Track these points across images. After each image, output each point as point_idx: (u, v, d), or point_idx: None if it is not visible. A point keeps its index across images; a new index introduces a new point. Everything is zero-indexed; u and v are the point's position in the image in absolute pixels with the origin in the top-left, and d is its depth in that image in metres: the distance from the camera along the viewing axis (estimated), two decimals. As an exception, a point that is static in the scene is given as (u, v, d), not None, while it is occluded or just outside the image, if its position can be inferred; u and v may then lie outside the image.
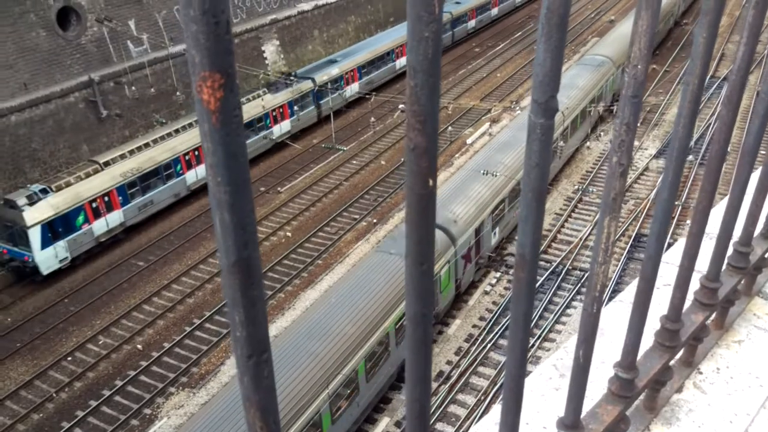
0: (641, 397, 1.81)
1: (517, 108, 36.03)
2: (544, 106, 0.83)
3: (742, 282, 2.15)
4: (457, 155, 31.77)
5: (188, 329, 21.47)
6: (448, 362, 20.04)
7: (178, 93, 32.16)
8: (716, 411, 1.89)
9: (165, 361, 20.36)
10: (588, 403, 1.55)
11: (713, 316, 2.03)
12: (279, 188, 30.50)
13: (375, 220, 27.39)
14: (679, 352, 1.85)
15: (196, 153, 28.98)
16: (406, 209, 0.74)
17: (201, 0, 0.46)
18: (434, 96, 0.66)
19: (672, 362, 1.83)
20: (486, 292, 23.02)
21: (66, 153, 27.36)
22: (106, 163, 25.81)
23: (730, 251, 2.00)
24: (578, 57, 39.40)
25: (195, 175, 28.94)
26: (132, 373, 19.87)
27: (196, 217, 28.10)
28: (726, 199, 1.93)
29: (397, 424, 18.27)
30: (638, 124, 1.09)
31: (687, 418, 1.87)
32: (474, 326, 21.50)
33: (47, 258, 23.40)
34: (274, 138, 33.24)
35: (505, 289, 23.07)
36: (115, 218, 25.70)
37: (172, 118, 31.06)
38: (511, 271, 21.37)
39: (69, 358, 20.56)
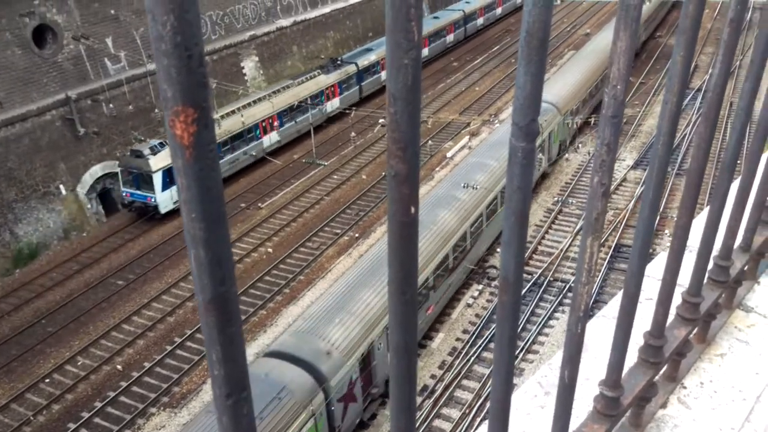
0: (626, 413, 1.80)
1: (496, 121, 36.32)
2: (525, 129, 0.82)
3: (723, 295, 2.16)
4: (437, 168, 31.90)
5: (169, 348, 21.19)
6: (432, 376, 19.98)
7: (156, 110, 31.97)
8: (701, 426, 1.89)
9: (145, 381, 20.05)
10: (574, 421, 1.54)
11: (695, 330, 2.04)
12: (260, 204, 30.36)
13: (357, 235, 27.34)
14: (663, 367, 1.85)
15: (271, 122, 34.21)
16: (389, 237, 0.73)
17: (173, 34, 0.44)
18: (414, 123, 0.65)
19: (656, 378, 1.83)
20: (468, 305, 23.03)
21: (42, 172, 27.04)
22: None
23: (710, 265, 2.01)
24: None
25: (269, 140, 34.41)
26: (112, 394, 19.52)
27: (176, 234, 27.84)
28: (705, 211, 1.94)
29: (382, 440, 18.13)
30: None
31: (672, 433, 1.86)
32: (457, 339, 21.48)
33: (165, 199, 28.13)
34: (326, 112, 38.47)
35: (488, 301, 23.10)
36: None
37: (151, 135, 30.84)
38: (494, 284, 21.21)
39: (47, 380, 20.17)
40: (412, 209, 0.70)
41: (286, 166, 33.80)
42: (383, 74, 40.85)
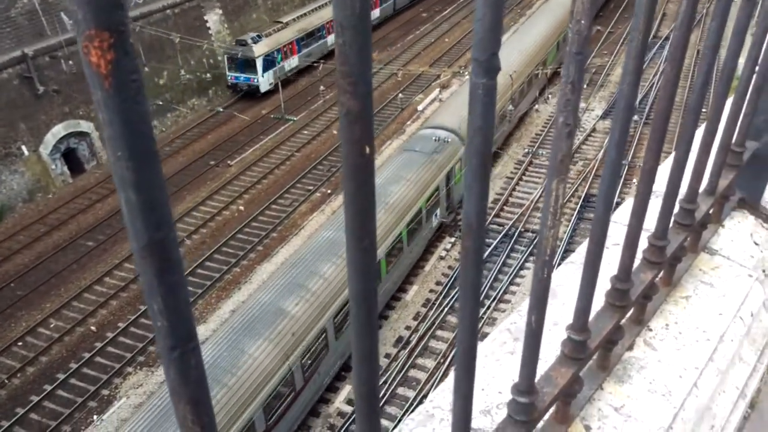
0: (594, 356, 1.82)
1: (466, 73, 36.05)
2: (486, 65, 0.78)
3: (688, 239, 2.18)
4: (408, 122, 31.71)
5: (143, 308, 21.10)
6: (407, 327, 20.27)
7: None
8: (666, 366, 1.93)
9: (121, 341, 20.01)
10: (542, 366, 1.55)
11: (661, 273, 2.05)
12: (229, 161, 29.97)
13: (329, 191, 27.23)
14: (629, 311, 1.87)
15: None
16: (343, 181, 0.69)
17: (79, -56, 0.39)
18: (365, 54, 0.61)
19: (623, 321, 1.85)
20: (441, 257, 23.26)
21: (2, 132, 26.25)
22: (287, 23, 37.72)
23: (676, 209, 2.01)
24: (406, 136, 29.24)
25: (332, 39, 37.84)
26: (87, 355, 19.48)
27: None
28: (671, 156, 1.94)
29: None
30: (584, 85, 1.07)
31: (638, 375, 1.90)
32: (431, 291, 21.75)
33: (264, 81, 34.95)
34: (377, 17, 43.96)
35: (460, 254, 23.32)
36: (294, 61, 37.36)
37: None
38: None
39: (19, 344, 20.01)
40: (367, 149, 0.66)
41: (255, 122, 33.30)
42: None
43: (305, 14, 39.28)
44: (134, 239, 0.50)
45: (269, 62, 34.94)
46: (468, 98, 0.82)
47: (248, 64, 34.16)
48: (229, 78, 34.99)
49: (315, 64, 37.47)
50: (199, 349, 0.58)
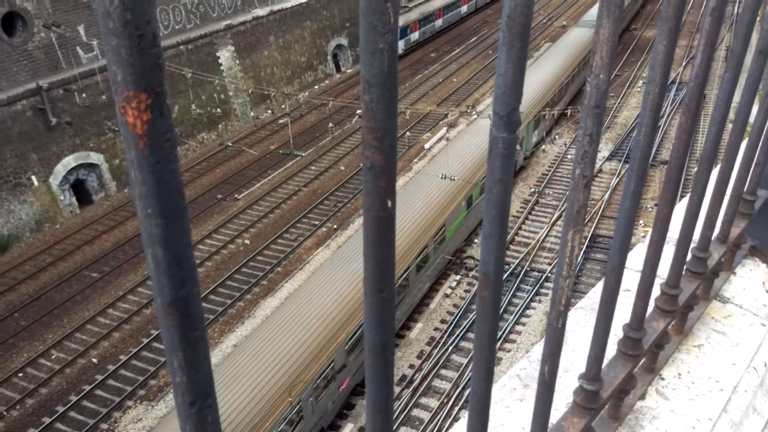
0: (606, 406, 1.79)
1: (474, 113, 36.38)
2: (506, 119, 0.78)
3: (700, 287, 2.16)
4: (415, 160, 31.89)
5: (145, 340, 20.98)
6: (411, 366, 20.05)
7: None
8: (679, 417, 1.89)
9: (122, 374, 19.84)
10: (553, 414, 1.52)
11: (673, 321, 2.03)
12: (236, 195, 30.10)
13: (335, 226, 27.26)
14: (642, 359, 1.84)
15: None
16: (364, 232, 0.69)
17: (121, 11, 0.40)
18: (391, 111, 0.61)
19: (635, 370, 1.82)
20: (447, 295, 23.12)
21: (13, 163, 26.49)
22: (411, 8, 47.25)
23: (688, 257, 2.00)
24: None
25: (467, 8, 55.41)
26: (87, 387, 19.29)
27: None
28: (684, 203, 1.94)
29: (361, 430, 18.16)
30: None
31: (651, 425, 1.86)
32: (435, 329, 21.57)
33: (399, 46, 41.48)
34: (462, 13, 54.69)
35: (465, 291, 23.21)
36: (416, 35, 47.60)
37: (125, 126, 30.30)
38: (471, 273, 21.28)
39: (20, 375, 19.86)
40: (389, 203, 0.66)
41: (263, 157, 33.55)
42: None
43: (422, 3, 49.59)
44: (159, 295, 0.50)
45: (403, 32, 44.65)
46: (488, 152, 0.82)
47: None
48: None
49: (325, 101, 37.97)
50: (216, 405, 0.58)
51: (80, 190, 29.46)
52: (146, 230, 0.47)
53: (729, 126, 1.95)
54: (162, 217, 0.46)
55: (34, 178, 27.28)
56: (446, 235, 22.84)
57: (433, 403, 18.61)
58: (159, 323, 0.52)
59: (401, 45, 46.03)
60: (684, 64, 42.79)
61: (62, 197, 28.44)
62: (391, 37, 0.59)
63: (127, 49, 0.41)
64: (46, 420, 18.22)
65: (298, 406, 15.52)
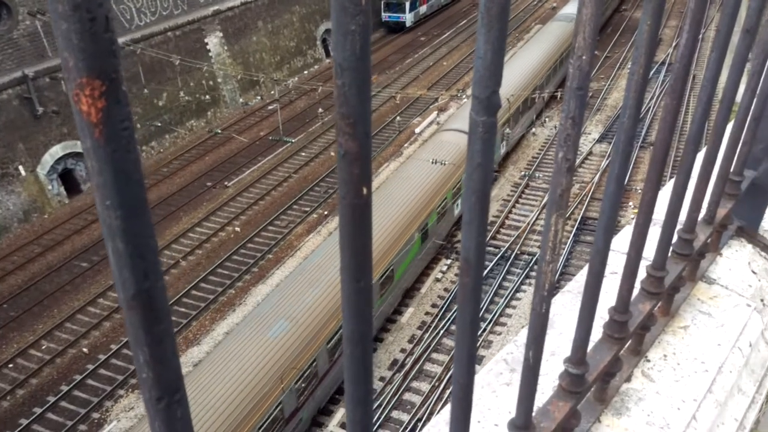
0: (591, 389, 1.79)
1: (464, 96, 36.29)
2: (486, 102, 0.77)
3: (686, 268, 2.17)
4: (405, 144, 31.83)
5: (136, 329, 20.91)
6: (402, 350, 20.14)
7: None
8: (665, 398, 1.90)
9: (113, 364, 19.81)
10: (539, 398, 1.52)
11: (659, 303, 2.04)
12: (226, 183, 29.97)
13: (326, 212, 27.22)
14: (628, 342, 1.84)
15: None
16: (340, 221, 0.68)
17: (69, -8, 0.38)
18: (364, 95, 0.60)
19: (621, 352, 1.82)
20: (437, 279, 23.19)
21: (0, 153, 26.23)
22: None
23: (674, 238, 2.00)
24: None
25: None
26: (78, 377, 19.26)
27: (154, 205, 27.33)
28: (670, 184, 1.93)
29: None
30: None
31: (636, 407, 1.87)
32: (426, 313, 21.65)
33: (409, 18, 48.64)
34: None
35: (456, 275, 23.26)
36: (424, 9, 51.24)
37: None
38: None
39: (10, 365, 19.79)
40: (364, 190, 0.65)
41: (253, 144, 33.38)
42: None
43: None
44: (121, 289, 0.48)
45: (412, 5, 48.65)
46: (467, 135, 0.81)
47: (399, 6, 47.91)
48: (384, 17, 48.15)
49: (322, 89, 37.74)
50: (185, 400, 0.56)
51: (68, 180, 29.22)
52: (106, 222, 0.45)
53: (716, 107, 1.95)
54: (122, 208, 0.44)
55: (21, 168, 27.03)
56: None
57: (425, 386, 18.72)
58: (125, 319, 0.51)
59: (410, 18, 48.97)
60: (674, 44, 42.80)
61: (50, 187, 28.21)
62: (363, 19, 0.57)
63: (78, 33, 0.39)
64: (37, 410, 18.20)
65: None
